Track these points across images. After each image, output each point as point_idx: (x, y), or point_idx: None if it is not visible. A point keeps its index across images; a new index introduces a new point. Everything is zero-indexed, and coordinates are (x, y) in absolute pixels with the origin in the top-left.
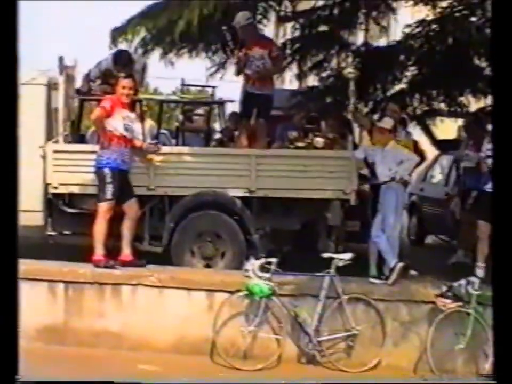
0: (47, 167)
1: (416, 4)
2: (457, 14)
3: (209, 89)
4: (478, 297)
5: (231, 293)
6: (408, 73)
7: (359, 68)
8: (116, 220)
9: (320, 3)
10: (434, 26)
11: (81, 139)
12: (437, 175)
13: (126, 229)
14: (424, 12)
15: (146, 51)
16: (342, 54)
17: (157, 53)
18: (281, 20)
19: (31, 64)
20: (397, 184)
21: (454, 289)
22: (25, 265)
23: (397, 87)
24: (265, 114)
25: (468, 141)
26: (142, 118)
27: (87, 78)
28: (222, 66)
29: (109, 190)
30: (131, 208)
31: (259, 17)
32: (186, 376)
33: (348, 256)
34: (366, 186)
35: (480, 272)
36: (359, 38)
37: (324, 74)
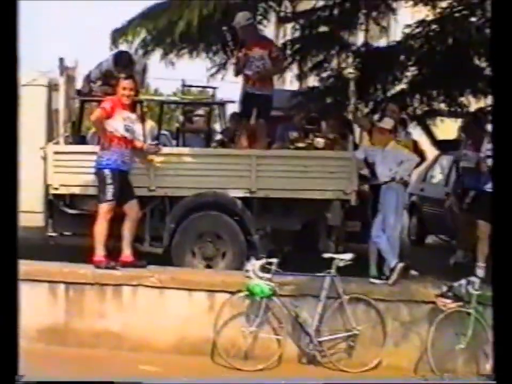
0: (48, 168)
1: (416, 4)
2: (457, 14)
3: (210, 90)
4: (478, 297)
5: (232, 293)
6: (408, 74)
7: (359, 68)
8: (116, 220)
9: (320, 4)
10: (434, 26)
11: (82, 140)
12: (437, 175)
13: (127, 230)
14: (424, 12)
15: (146, 52)
16: (342, 54)
17: (157, 53)
18: (281, 21)
19: (31, 64)
20: (397, 185)
21: (455, 289)
22: (25, 266)
23: (397, 87)
24: (265, 115)
25: (466, 141)
26: (142, 119)
27: (88, 79)
28: (222, 66)
29: (110, 191)
30: (131, 209)
31: (259, 17)
32: (187, 376)
33: (348, 256)
34: (366, 187)
35: (480, 272)
36: (359, 39)
37: (324, 74)
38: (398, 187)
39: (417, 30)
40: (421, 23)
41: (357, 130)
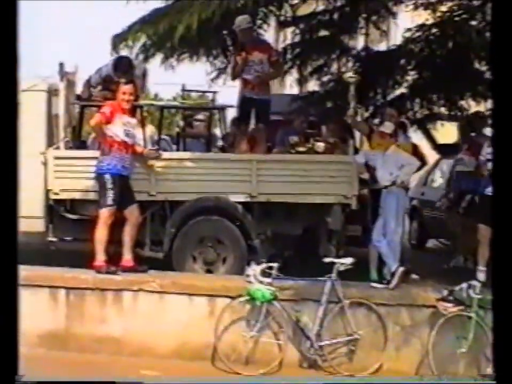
0: (48, 173)
1: (416, 8)
2: (457, 18)
3: (210, 95)
4: (479, 301)
5: (233, 298)
6: (408, 78)
7: (359, 72)
8: (117, 225)
9: (320, 8)
10: (434, 30)
11: (82, 145)
12: (438, 179)
13: (127, 235)
14: (424, 16)
15: (147, 57)
16: (343, 58)
17: (157, 58)
18: (281, 25)
19: (31, 64)
20: (397, 189)
21: (455, 293)
22: (26, 272)
23: (398, 91)
24: (264, 119)
25: (462, 145)
26: (142, 124)
27: (88, 84)
28: (223, 71)
29: (110, 196)
30: (132, 214)
31: (259, 22)
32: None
33: (349, 260)
34: (367, 191)
35: (481, 276)
36: (359, 43)
37: (325, 79)
38: (398, 191)
39: (418, 34)
40: (421, 27)
41: (358, 134)
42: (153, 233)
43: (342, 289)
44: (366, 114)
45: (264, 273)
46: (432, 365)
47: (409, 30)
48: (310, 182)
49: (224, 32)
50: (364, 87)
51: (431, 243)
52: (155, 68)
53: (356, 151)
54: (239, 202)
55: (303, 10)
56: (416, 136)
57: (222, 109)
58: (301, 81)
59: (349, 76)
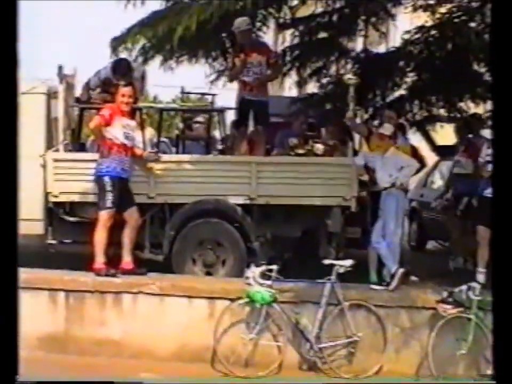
0: (48, 176)
1: (415, 10)
2: (456, 20)
3: (209, 97)
4: (479, 303)
5: (232, 300)
6: (407, 79)
7: (358, 74)
8: (116, 228)
9: (320, 10)
10: (433, 32)
11: (82, 147)
12: (437, 181)
13: (127, 237)
14: (423, 18)
15: (146, 59)
16: (342, 60)
17: (157, 60)
18: (280, 27)
19: (30, 65)
20: (397, 190)
21: (455, 295)
22: (26, 274)
23: (397, 93)
24: (263, 121)
25: (459, 147)
26: (142, 126)
27: (87, 86)
28: (222, 73)
29: (109, 198)
30: (131, 216)
31: (258, 24)
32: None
33: (348, 262)
34: (366, 193)
35: (480, 277)
36: (358, 45)
37: (324, 81)
38: (398, 193)
39: (417, 36)
40: (420, 28)
41: (357, 136)
42: (152, 236)
43: (341, 291)
44: (365, 116)
45: (264, 276)
46: (431, 366)
47: (408, 32)
48: (310, 184)
49: (223, 34)
50: (363, 89)
51: (430, 245)
52: (154, 70)
53: (355, 153)
54: (239, 205)
55: (302, 12)
56: (415, 138)
57: (221, 111)
58: (300, 83)
59: (348, 77)
